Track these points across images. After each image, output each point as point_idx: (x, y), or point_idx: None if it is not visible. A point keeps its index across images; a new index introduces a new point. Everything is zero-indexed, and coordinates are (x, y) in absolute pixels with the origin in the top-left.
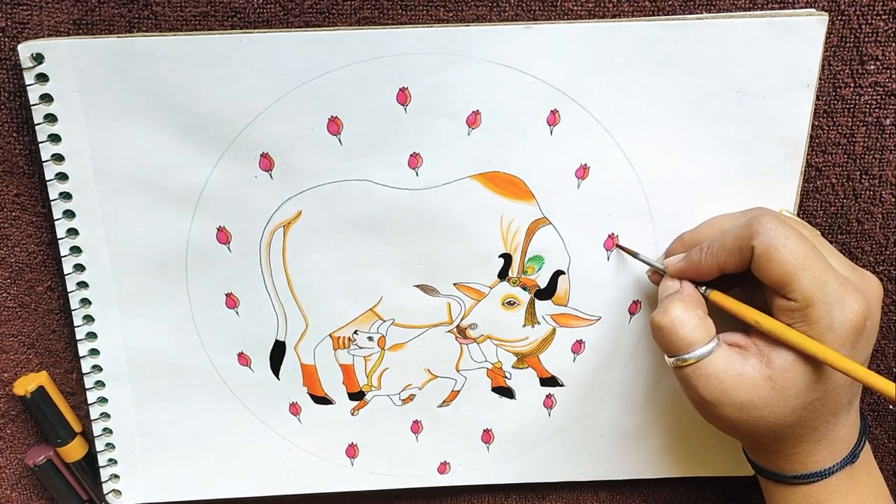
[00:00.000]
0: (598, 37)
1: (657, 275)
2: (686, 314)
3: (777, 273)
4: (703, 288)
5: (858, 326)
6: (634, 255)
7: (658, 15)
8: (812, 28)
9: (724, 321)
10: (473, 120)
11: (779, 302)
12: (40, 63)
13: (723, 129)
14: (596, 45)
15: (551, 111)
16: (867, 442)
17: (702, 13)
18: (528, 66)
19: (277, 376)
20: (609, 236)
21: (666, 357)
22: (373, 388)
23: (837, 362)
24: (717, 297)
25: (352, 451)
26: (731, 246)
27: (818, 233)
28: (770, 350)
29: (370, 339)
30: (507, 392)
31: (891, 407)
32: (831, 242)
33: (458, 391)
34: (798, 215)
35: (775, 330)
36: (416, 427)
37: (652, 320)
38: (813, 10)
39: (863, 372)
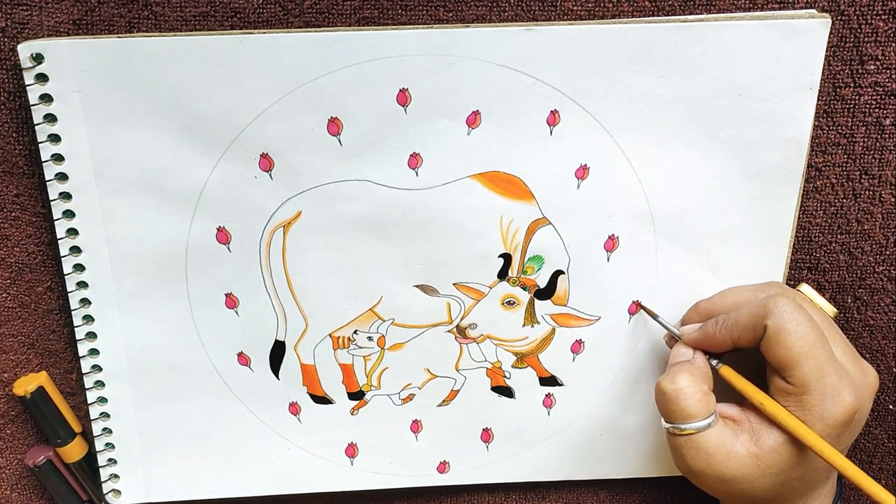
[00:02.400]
0: (600, 38)
1: (673, 340)
2: (692, 387)
3: (783, 356)
4: (716, 361)
5: (847, 420)
6: (654, 316)
7: (658, 14)
8: (815, 31)
9: (723, 388)
10: (473, 120)
11: (777, 381)
12: (40, 63)
13: (724, 131)
14: (597, 46)
15: (551, 112)
16: None
17: (702, 13)
18: (528, 67)
19: (277, 376)
20: (609, 237)
21: (662, 421)
22: (372, 388)
23: (825, 451)
24: (728, 373)
25: (351, 450)
26: (745, 322)
27: (830, 317)
28: (762, 428)
29: (370, 338)
30: (506, 391)
31: (891, 407)
32: (831, 243)
33: (458, 391)
34: (798, 216)
35: (777, 414)
36: (416, 426)
37: (658, 385)
38: (814, 11)
39: (845, 463)
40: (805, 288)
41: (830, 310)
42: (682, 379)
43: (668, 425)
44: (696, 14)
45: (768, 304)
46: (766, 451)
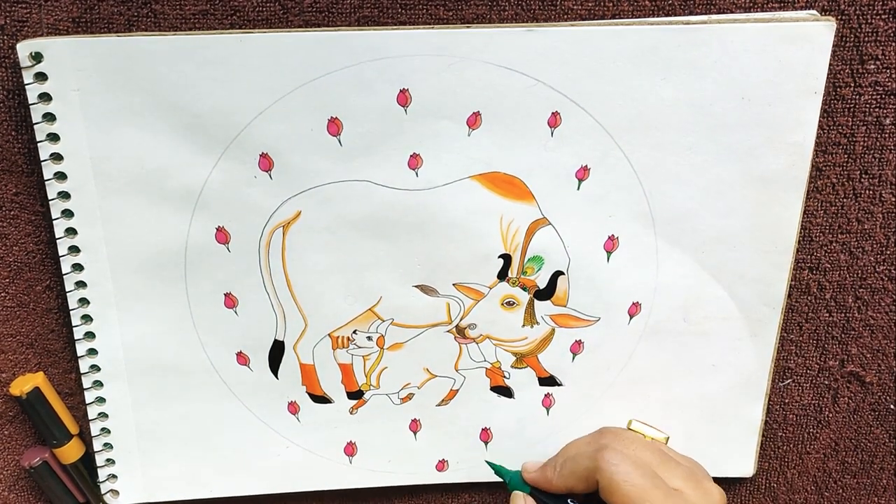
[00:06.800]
0: (601, 40)
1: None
2: None
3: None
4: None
5: None
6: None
7: (658, 13)
8: (820, 35)
9: None
10: (474, 121)
11: None
12: (39, 62)
13: (727, 134)
14: (599, 48)
15: (552, 113)
16: None
17: (702, 12)
18: (529, 68)
19: (276, 375)
20: (609, 237)
21: None
22: (371, 388)
23: None
24: None
25: (350, 449)
26: (579, 473)
27: (663, 444)
28: None
29: (369, 338)
30: (505, 391)
31: (891, 407)
32: (831, 242)
33: (457, 390)
34: (801, 218)
35: None
36: (415, 425)
37: None
38: (815, 11)
39: None
40: (635, 424)
41: (662, 437)
42: None
43: None
44: (697, 13)
45: (597, 458)
46: None
